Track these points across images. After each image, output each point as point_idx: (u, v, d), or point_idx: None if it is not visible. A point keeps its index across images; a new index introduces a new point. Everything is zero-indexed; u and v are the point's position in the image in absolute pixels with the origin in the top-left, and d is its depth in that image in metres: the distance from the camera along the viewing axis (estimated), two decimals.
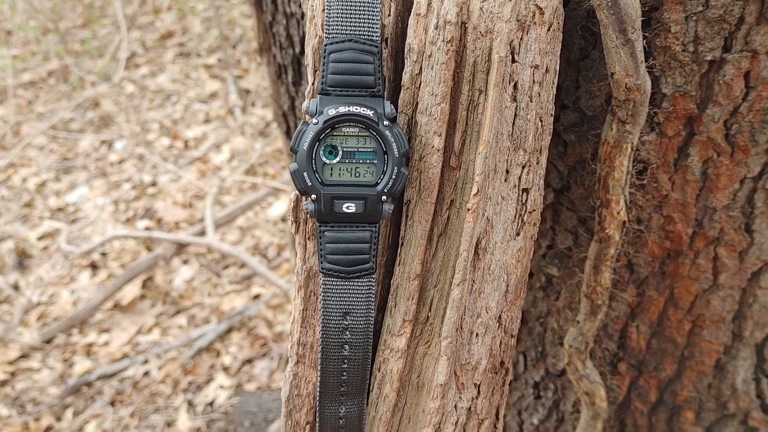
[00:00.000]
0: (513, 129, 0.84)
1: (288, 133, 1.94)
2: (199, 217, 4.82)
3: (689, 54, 0.94)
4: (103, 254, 4.61)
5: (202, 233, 4.36)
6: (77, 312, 4.00)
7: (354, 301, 0.84)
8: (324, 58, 0.80)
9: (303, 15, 1.52)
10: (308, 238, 0.87)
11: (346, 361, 0.86)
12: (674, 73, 0.96)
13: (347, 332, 0.84)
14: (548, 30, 0.82)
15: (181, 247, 4.30)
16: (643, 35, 0.89)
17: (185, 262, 4.53)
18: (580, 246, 1.26)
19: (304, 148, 0.78)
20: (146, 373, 3.76)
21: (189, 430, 3.37)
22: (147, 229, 4.81)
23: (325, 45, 0.80)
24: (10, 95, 6.56)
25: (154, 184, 5.31)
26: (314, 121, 0.78)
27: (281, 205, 4.86)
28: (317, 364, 0.91)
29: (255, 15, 1.93)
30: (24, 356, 3.94)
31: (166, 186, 5.24)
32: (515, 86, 0.82)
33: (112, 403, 3.58)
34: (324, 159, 0.81)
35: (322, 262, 0.83)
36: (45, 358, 3.91)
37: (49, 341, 3.96)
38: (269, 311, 4.05)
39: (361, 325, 0.84)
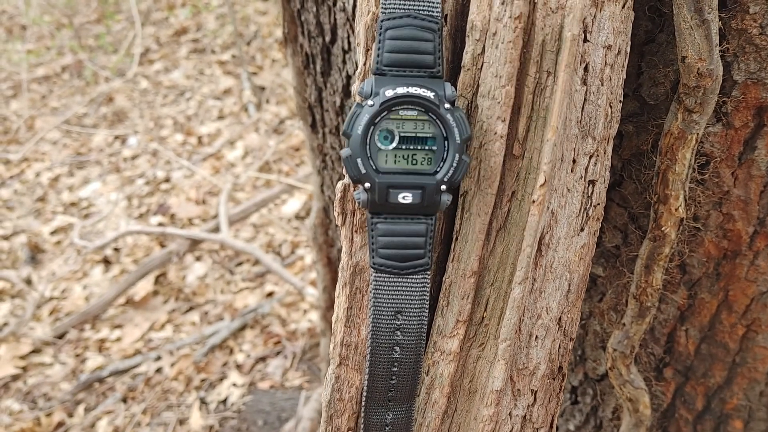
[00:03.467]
0: (582, 115, 0.77)
1: (313, 126, 1.88)
2: (213, 214, 4.78)
3: (767, 37, 0.87)
4: (116, 249, 4.58)
5: (216, 230, 4.32)
6: (89, 307, 3.97)
7: (407, 299, 0.77)
8: (380, 35, 0.74)
9: (335, 1, 1.46)
10: (355, 231, 0.81)
11: (396, 364, 0.79)
12: (748, 58, 0.89)
13: (399, 333, 0.78)
14: (623, 7, 0.76)
15: (194, 243, 4.26)
16: (719, 16, 0.83)
17: (198, 258, 4.49)
18: (630, 245, 1.19)
19: (359, 132, 0.72)
20: (159, 370, 3.72)
21: (202, 428, 3.33)
22: (160, 225, 4.78)
23: (381, 21, 0.74)
24: (24, 89, 6.55)
25: (167, 180, 5.27)
26: (369, 102, 0.72)
27: (295, 203, 4.81)
28: (362, 367, 0.85)
29: (281, 4, 1.87)
30: (36, 351, 3.91)
31: (180, 182, 5.20)
32: (586, 68, 0.76)
33: (124, 400, 3.55)
34: (379, 144, 0.74)
35: (373, 257, 0.76)
36: (57, 354, 3.88)
37: (61, 336, 3.93)
38: (283, 309, 4.00)
39: (414, 325, 0.78)
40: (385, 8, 0.74)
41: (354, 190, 0.79)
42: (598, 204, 0.83)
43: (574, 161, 0.78)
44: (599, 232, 1.24)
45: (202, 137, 5.77)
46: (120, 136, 5.92)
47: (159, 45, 7.38)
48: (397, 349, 0.79)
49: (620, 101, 0.81)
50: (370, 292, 0.77)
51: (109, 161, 5.58)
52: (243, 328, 3.91)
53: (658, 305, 1.25)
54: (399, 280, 0.77)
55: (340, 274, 0.83)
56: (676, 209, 1.02)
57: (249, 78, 6.21)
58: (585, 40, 0.75)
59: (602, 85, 0.77)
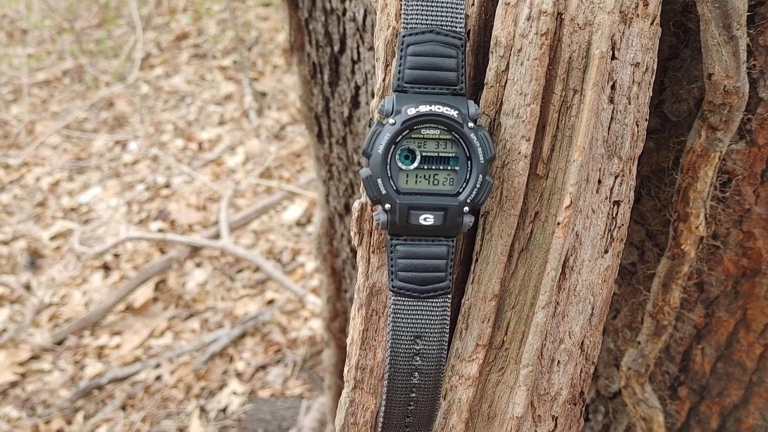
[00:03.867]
0: (608, 134, 0.75)
1: (320, 136, 1.85)
2: (213, 220, 4.75)
3: None
4: (116, 255, 4.55)
5: (217, 236, 4.29)
6: (89, 314, 3.94)
7: (427, 324, 0.75)
8: (401, 51, 0.71)
9: (345, 11, 1.44)
10: (372, 252, 0.79)
11: (414, 389, 0.77)
12: None
13: (418, 358, 0.76)
14: (651, 24, 0.74)
15: (194, 250, 4.23)
16: (747, 32, 0.81)
17: (198, 265, 4.46)
18: (647, 262, 1.17)
19: (379, 151, 0.70)
20: (158, 378, 3.69)
21: None
22: (160, 230, 4.75)
23: (403, 36, 0.71)
24: (25, 94, 6.52)
25: (167, 185, 5.25)
26: (390, 121, 0.70)
27: (296, 209, 4.79)
28: (377, 391, 0.82)
29: (287, 12, 1.85)
30: (35, 357, 3.88)
31: (180, 188, 5.18)
32: (613, 86, 0.73)
33: (124, 408, 3.52)
34: (400, 164, 0.72)
35: (392, 280, 0.74)
36: (56, 360, 3.85)
37: (60, 343, 3.90)
38: (283, 317, 3.97)
39: (434, 350, 0.75)
40: (407, 24, 0.72)
41: (373, 210, 0.77)
42: (623, 225, 0.81)
43: (599, 182, 0.76)
44: None
45: (202, 143, 5.74)
46: (120, 141, 5.90)
47: (160, 50, 7.36)
48: (416, 374, 0.76)
49: (646, 119, 0.79)
50: (389, 315, 0.75)
51: (110, 166, 5.56)
52: (243, 335, 3.89)
53: (675, 323, 1.23)
54: (419, 303, 0.74)
55: (356, 296, 0.80)
56: (697, 227, 1.00)
57: (250, 83, 6.19)
58: (613, 58, 0.72)
59: (629, 103, 0.75)
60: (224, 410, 3.45)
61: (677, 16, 0.87)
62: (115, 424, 3.41)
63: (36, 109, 6.46)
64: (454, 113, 0.69)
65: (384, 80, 0.76)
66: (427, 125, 0.70)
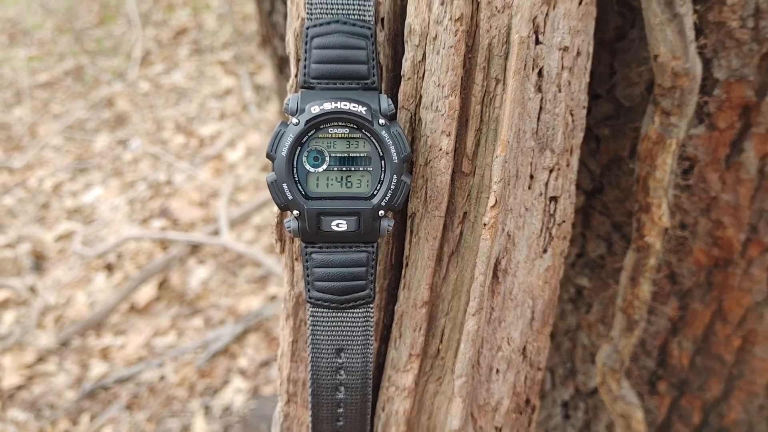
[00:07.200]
0: (538, 125, 0.69)
1: None
2: (216, 216, 4.74)
3: (748, 31, 0.78)
4: (119, 255, 4.55)
5: (218, 232, 4.28)
6: (93, 315, 3.95)
7: (349, 336, 0.70)
8: (305, 44, 0.66)
9: None
10: (296, 259, 0.74)
11: (341, 405, 0.72)
12: (729, 54, 0.81)
13: (342, 372, 0.71)
14: (580, 4, 0.68)
15: (196, 246, 4.23)
16: (694, 9, 0.74)
17: (201, 262, 4.45)
18: (615, 254, 1.11)
19: (283, 154, 0.65)
20: (162, 377, 3.70)
21: None
22: (162, 229, 4.75)
23: (307, 28, 0.66)
24: (26, 96, 6.54)
25: (169, 182, 5.24)
26: (294, 120, 0.65)
27: None
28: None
29: (256, 5, 1.81)
30: (41, 360, 3.91)
31: (182, 185, 5.17)
32: (540, 73, 0.68)
33: (129, 407, 3.53)
34: (308, 167, 0.67)
35: (309, 290, 0.69)
36: (61, 362, 3.87)
37: (65, 344, 3.92)
38: None
39: (358, 363, 0.71)
40: (311, 13, 0.66)
41: (286, 217, 0.72)
42: (564, 221, 0.75)
43: (531, 177, 0.71)
44: (584, 241, 1.17)
45: (203, 139, 5.72)
46: (122, 140, 5.90)
47: (160, 46, 7.34)
48: (342, 389, 0.71)
49: (584, 107, 0.73)
50: (308, 328, 0.70)
51: (112, 166, 5.56)
52: (246, 332, 3.88)
53: (648, 317, 1.18)
54: (338, 315, 0.70)
55: (282, 306, 0.76)
56: (659, 218, 0.94)
57: (250, 77, 6.15)
58: (537, 42, 0.67)
59: (560, 91, 0.69)
60: (228, 408, 3.45)
61: None
62: (120, 424, 3.42)
63: (38, 110, 6.47)
64: (362, 110, 0.64)
65: (296, 76, 0.71)
66: (334, 123, 0.65)
